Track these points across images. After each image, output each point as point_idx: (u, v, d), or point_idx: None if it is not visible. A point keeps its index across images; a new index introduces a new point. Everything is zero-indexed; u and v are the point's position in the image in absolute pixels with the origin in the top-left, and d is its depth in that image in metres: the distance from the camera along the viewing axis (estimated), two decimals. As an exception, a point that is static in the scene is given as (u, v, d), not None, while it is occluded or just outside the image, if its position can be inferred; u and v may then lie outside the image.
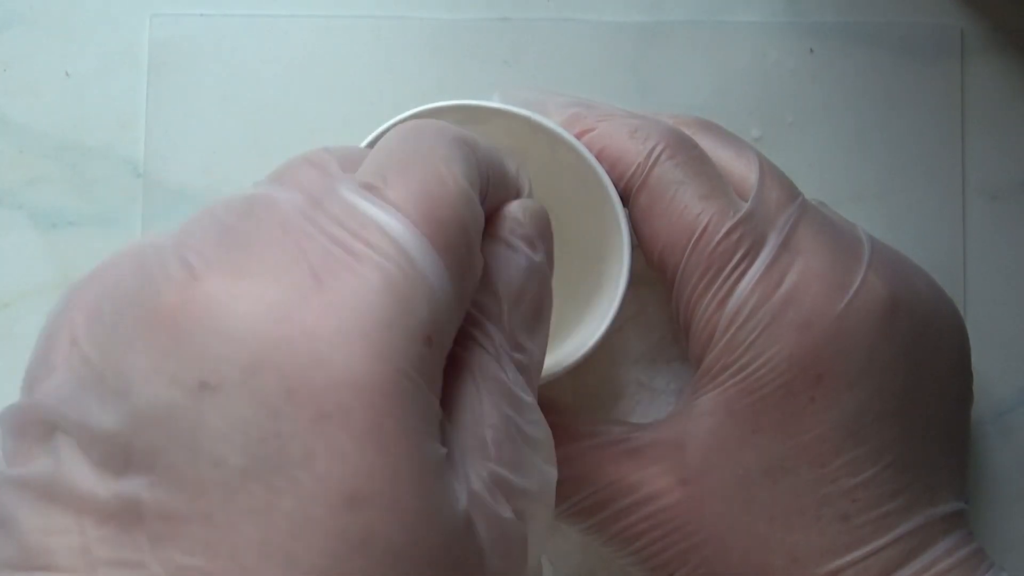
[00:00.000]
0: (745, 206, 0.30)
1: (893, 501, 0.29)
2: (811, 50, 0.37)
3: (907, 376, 0.30)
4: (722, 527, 0.29)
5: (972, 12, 0.37)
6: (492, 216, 0.25)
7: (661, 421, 0.31)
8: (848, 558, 0.29)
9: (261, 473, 0.18)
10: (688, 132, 0.32)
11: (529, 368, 0.24)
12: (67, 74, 0.37)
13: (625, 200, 0.31)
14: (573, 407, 0.35)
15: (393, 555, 0.18)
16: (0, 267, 0.37)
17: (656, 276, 0.31)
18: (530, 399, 0.23)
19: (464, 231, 0.22)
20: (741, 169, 0.31)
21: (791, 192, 0.31)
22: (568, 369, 0.31)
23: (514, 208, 0.25)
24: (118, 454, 0.19)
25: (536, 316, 0.25)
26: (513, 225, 0.25)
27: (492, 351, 0.23)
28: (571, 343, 0.32)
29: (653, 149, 0.30)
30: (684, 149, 0.31)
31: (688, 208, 0.30)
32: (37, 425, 0.20)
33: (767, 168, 0.31)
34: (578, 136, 0.31)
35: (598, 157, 0.31)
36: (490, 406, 0.22)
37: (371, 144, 0.30)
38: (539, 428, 0.23)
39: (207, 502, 0.18)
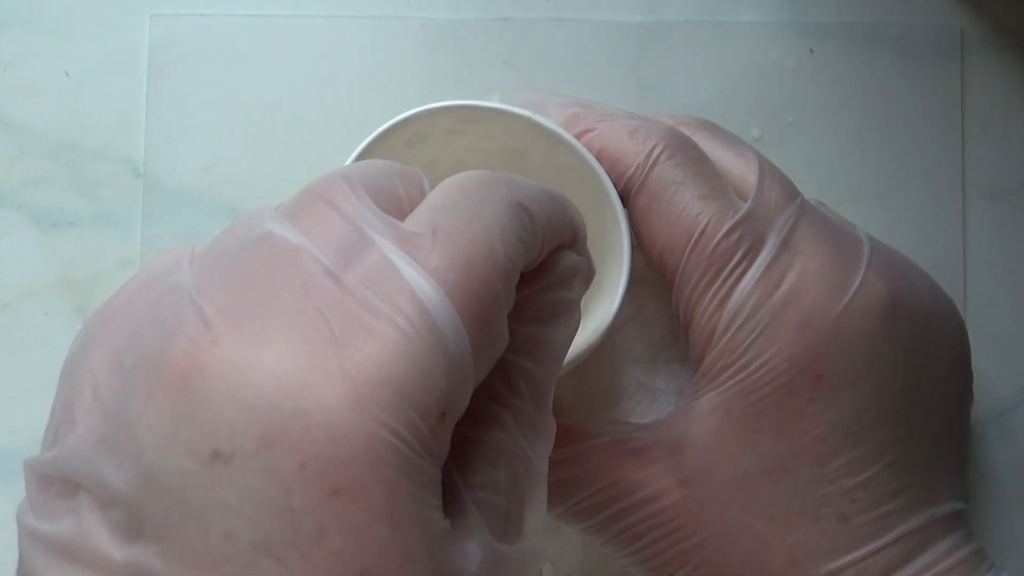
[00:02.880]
0: (745, 206, 0.30)
1: (893, 501, 0.29)
2: (811, 50, 0.37)
3: (907, 376, 0.30)
4: (722, 527, 0.29)
5: (972, 12, 0.37)
6: (543, 264, 0.24)
7: (661, 421, 0.31)
8: (848, 558, 0.29)
9: (273, 548, 0.18)
10: (688, 132, 0.32)
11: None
12: (67, 74, 0.37)
13: (625, 200, 0.31)
14: (573, 407, 0.35)
15: None
16: (0, 267, 0.37)
17: (656, 276, 0.31)
18: (539, 454, 0.23)
19: (497, 308, 0.21)
20: (741, 169, 0.31)
21: (791, 192, 0.31)
22: (568, 369, 0.31)
23: (565, 269, 0.24)
24: (132, 519, 0.19)
25: (558, 365, 0.24)
26: (562, 293, 0.24)
27: (511, 423, 0.23)
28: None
29: (652, 149, 0.30)
30: (683, 149, 0.31)
31: (687, 208, 0.30)
32: (61, 482, 0.20)
33: (767, 168, 0.31)
34: (578, 136, 0.31)
35: (598, 157, 0.31)
36: (506, 475, 0.22)
37: (362, 154, 0.30)
38: (542, 491, 0.23)
39: None
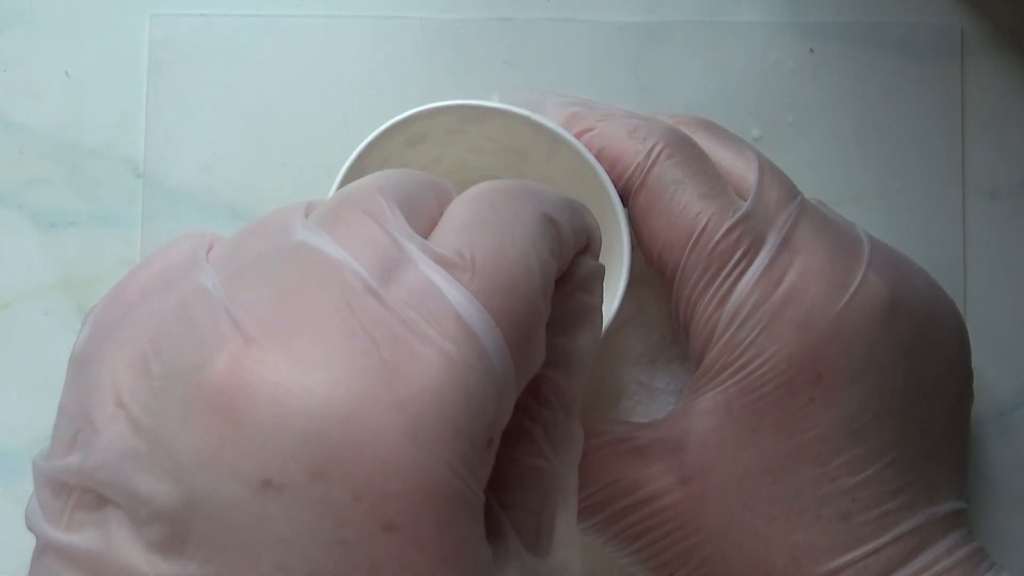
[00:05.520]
0: (744, 205, 0.30)
1: (893, 500, 0.29)
2: (811, 50, 0.37)
3: (907, 375, 0.30)
4: (722, 526, 0.29)
5: (972, 12, 0.37)
6: (565, 272, 0.24)
7: (661, 421, 0.31)
8: (848, 557, 0.29)
9: None
10: (688, 132, 0.32)
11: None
12: (67, 74, 0.37)
13: (625, 199, 0.31)
14: (573, 407, 0.35)
15: None
16: (0, 267, 0.37)
17: (656, 276, 0.31)
18: (569, 466, 0.23)
19: (539, 328, 0.21)
20: (741, 169, 0.31)
21: (790, 191, 0.31)
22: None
23: (585, 276, 0.24)
24: (173, 537, 0.18)
25: (585, 373, 0.24)
26: (584, 300, 0.24)
27: (541, 437, 0.22)
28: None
29: (652, 149, 0.30)
30: (683, 148, 0.31)
31: (687, 207, 0.30)
32: (82, 491, 0.20)
33: (766, 167, 0.31)
34: (578, 136, 0.31)
35: (597, 157, 0.31)
36: (537, 492, 0.22)
37: (362, 154, 0.30)
38: (572, 503, 0.23)
39: None
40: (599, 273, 0.25)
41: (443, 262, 0.20)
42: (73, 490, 0.20)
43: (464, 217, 0.22)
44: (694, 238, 0.30)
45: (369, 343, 0.19)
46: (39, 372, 0.36)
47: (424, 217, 0.22)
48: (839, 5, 0.37)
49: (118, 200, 0.37)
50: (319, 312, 0.19)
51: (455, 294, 0.20)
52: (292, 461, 0.18)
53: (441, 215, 0.22)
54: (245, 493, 0.18)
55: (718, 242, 0.30)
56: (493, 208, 0.22)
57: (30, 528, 0.21)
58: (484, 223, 0.21)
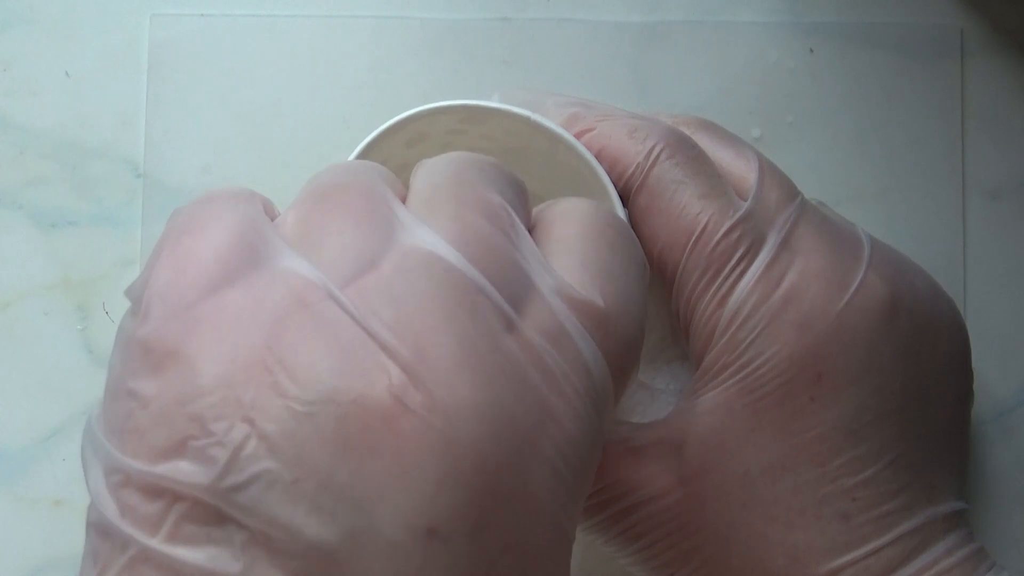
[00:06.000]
0: (744, 205, 0.30)
1: (893, 500, 0.29)
2: (811, 50, 0.37)
3: (907, 375, 0.30)
4: (723, 527, 0.29)
5: (972, 12, 0.37)
6: None
7: (661, 421, 0.31)
8: (848, 557, 0.29)
9: None
10: (688, 132, 0.32)
11: None
12: (67, 74, 0.37)
13: (625, 200, 0.31)
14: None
15: None
16: (0, 267, 0.37)
17: (656, 276, 0.31)
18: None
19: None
20: (741, 169, 0.31)
21: (791, 191, 0.31)
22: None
23: None
24: (322, 572, 0.18)
25: None
26: None
27: None
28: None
29: (652, 149, 0.30)
30: (683, 149, 0.31)
31: (687, 207, 0.30)
32: (197, 505, 0.18)
33: (767, 168, 0.31)
34: (577, 136, 0.31)
35: (597, 157, 0.31)
36: None
37: (362, 154, 0.30)
38: None
39: None
40: None
41: (576, 307, 0.20)
42: (180, 499, 0.18)
43: (586, 255, 0.22)
44: (694, 238, 0.30)
45: (521, 391, 0.19)
46: (39, 372, 0.36)
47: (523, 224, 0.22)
48: (839, 5, 0.37)
49: (118, 200, 0.37)
50: (467, 346, 0.19)
51: (587, 348, 0.20)
52: (458, 514, 0.18)
53: (529, 222, 0.22)
54: (409, 539, 0.18)
55: (718, 242, 0.30)
56: (614, 254, 0.22)
57: (101, 523, 0.19)
58: (608, 272, 0.21)
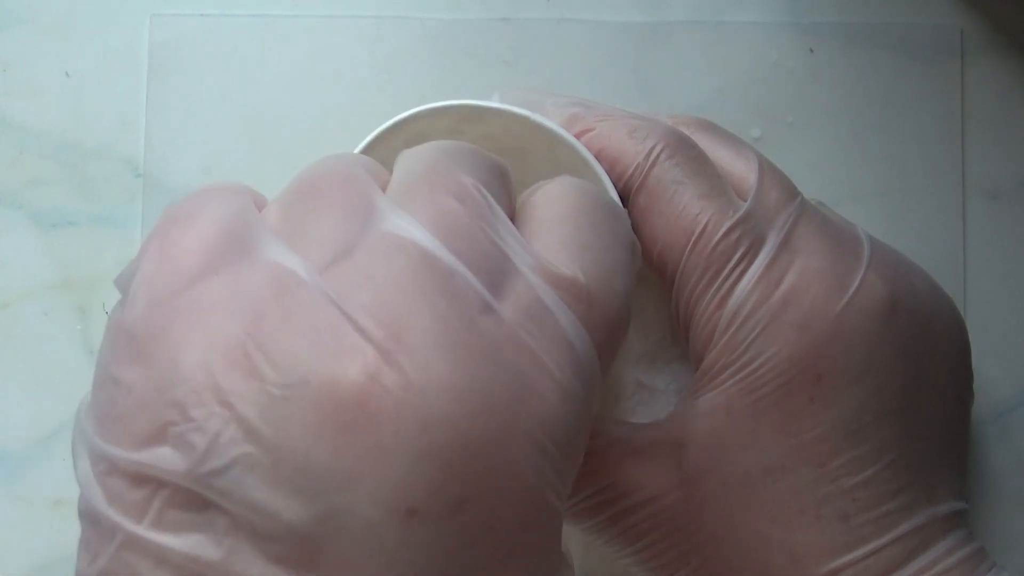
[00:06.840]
0: (744, 206, 0.30)
1: (893, 500, 0.29)
2: (811, 50, 0.37)
3: (907, 375, 0.30)
4: (723, 527, 0.29)
5: (972, 12, 0.37)
6: None
7: (661, 421, 0.31)
8: (848, 557, 0.29)
9: None
10: (687, 132, 0.32)
11: None
12: (67, 74, 0.37)
13: (624, 200, 0.31)
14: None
15: None
16: (0, 267, 0.37)
17: (656, 276, 0.31)
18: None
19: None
20: (740, 169, 0.31)
21: (790, 192, 0.31)
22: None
23: None
24: (302, 553, 0.18)
25: None
26: None
27: None
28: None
29: (652, 149, 0.30)
30: (683, 149, 0.31)
31: (687, 208, 0.30)
32: (179, 491, 0.18)
33: (766, 168, 0.31)
34: (577, 136, 0.31)
35: (597, 157, 0.31)
36: None
37: (362, 154, 0.30)
38: None
39: None
40: None
41: (556, 283, 0.20)
42: (163, 486, 0.18)
43: (567, 234, 0.21)
44: (694, 239, 0.30)
45: (497, 369, 0.19)
46: (39, 372, 0.36)
47: (501, 207, 0.21)
48: (839, 5, 0.37)
49: (118, 200, 0.37)
50: (441, 326, 0.19)
51: (568, 322, 0.20)
52: (438, 492, 0.18)
53: (511, 205, 0.22)
54: (387, 519, 0.18)
55: (718, 242, 0.30)
56: (596, 232, 0.22)
57: (90, 511, 0.19)
58: (590, 249, 0.21)
